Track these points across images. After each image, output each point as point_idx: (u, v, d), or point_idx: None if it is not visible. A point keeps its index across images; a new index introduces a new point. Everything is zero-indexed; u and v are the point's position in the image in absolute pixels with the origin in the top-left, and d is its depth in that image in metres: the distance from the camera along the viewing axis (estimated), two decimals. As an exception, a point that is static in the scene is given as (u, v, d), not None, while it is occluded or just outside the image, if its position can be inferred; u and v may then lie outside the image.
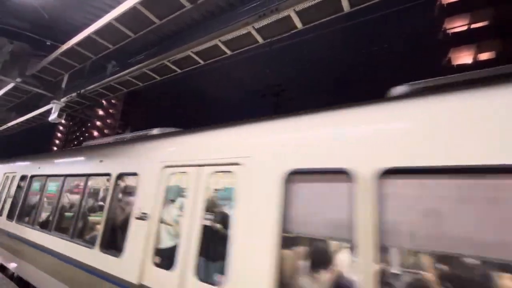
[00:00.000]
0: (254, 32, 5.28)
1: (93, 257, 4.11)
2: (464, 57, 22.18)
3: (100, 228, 4.23)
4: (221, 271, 2.64)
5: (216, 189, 3.35)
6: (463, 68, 21.35)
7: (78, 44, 6.26)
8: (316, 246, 2.50)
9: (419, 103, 2.15)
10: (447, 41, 22.80)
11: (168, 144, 4.04)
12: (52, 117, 8.54)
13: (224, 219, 3.02)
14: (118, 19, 5.32)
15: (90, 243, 4.32)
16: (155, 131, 4.85)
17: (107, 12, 5.40)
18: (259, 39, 5.45)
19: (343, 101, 2.65)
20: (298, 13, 4.67)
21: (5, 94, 9.85)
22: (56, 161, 6.79)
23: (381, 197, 1.97)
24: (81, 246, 4.47)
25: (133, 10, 4.98)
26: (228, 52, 6.05)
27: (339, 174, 2.19)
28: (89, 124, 77.02)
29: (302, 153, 2.51)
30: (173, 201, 3.69)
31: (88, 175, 5.17)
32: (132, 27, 5.52)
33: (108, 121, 77.67)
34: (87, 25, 5.89)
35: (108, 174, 4.59)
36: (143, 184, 3.88)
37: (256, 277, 2.37)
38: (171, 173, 3.62)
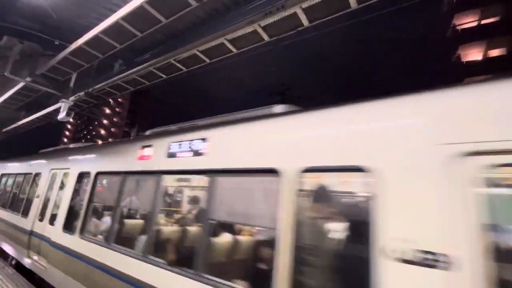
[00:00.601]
0: (260, 30, 5.26)
1: (18, 220, 7.65)
2: (473, 54, 21.75)
3: (23, 204, 7.86)
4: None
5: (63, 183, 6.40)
6: (472, 64, 20.96)
7: (86, 43, 6.33)
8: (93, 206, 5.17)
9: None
10: (456, 38, 22.37)
11: (54, 157, 7.65)
12: (61, 115, 8.70)
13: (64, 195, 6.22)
14: (125, 18, 5.36)
15: (18, 212, 7.86)
16: (72, 145, 8.02)
17: (114, 11, 5.45)
18: (265, 37, 5.43)
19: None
20: (305, 10, 4.63)
21: (16, 93, 10.03)
22: (13, 164, 10.53)
23: (95, 184, 5.09)
24: (15, 215, 8.01)
25: (140, 9, 5.01)
26: (234, 50, 6.05)
27: (88, 173, 5.34)
28: (96, 123, 78.06)
29: (82, 165, 5.92)
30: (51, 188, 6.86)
31: (24, 174, 8.79)
32: (138, 26, 5.56)
33: (115, 119, 78.50)
34: (94, 24, 5.95)
35: (31, 173, 8.18)
36: (42, 179, 7.36)
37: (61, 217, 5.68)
38: (53, 173, 6.96)
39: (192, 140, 3.54)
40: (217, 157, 3.22)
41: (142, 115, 76.03)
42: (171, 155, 3.74)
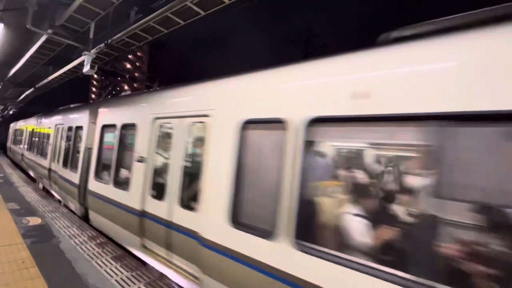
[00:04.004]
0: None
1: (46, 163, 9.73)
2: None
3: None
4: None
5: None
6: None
7: (99, -13, 5.99)
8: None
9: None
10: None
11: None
12: (85, 69, 8.81)
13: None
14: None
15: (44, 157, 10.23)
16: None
17: None
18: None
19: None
20: None
21: (40, 47, 10.17)
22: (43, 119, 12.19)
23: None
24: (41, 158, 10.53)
25: None
26: (256, -14, 5.43)
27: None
28: (119, 78, 79.43)
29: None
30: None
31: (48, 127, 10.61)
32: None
33: (136, 74, 79.15)
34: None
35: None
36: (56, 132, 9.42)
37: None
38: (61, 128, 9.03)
39: None
40: None
41: (162, 69, 75.67)
42: None
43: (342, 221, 2.40)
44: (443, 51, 1.93)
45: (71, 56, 11.37)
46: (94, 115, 6.69)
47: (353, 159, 3.06)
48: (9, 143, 21.27)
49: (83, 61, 9.07)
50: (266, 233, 2.53)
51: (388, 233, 2.22)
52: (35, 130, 12.98)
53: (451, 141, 1.74)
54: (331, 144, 2.86)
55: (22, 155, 15.00)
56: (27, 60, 11.96)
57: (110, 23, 8.54)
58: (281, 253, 2.40)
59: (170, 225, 3.77)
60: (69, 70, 12.33)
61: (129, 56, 76.05)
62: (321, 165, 2.78)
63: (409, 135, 2.10)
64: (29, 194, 9.00)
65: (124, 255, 4.70)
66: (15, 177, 12.30)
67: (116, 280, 3.82)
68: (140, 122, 4.71)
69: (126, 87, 78.74)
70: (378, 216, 2.36)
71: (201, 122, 3.66)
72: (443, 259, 1.79)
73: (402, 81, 1.99)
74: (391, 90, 2.02)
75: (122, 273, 4.04)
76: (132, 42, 9.08)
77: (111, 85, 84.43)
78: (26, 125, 15.39)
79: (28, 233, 5.28)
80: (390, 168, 2.89)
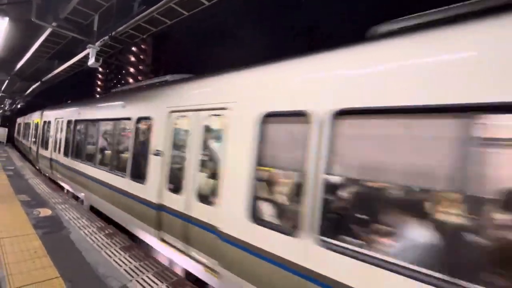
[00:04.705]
0: None
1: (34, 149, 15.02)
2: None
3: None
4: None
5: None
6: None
7: (102, -22, 5.92)
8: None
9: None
10: None
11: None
12: (91, 62, 8.82)
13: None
14: None
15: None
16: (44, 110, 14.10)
17: None
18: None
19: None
20: None
21: (45, 40, 10.19)
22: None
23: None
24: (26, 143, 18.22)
25: None
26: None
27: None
28: (123, 72, 79.62)
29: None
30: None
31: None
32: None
33: (140, 67, 79.11)
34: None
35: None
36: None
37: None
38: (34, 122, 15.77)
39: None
40: None
41: (165, 61, 75.46)
42: None
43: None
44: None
45: (76, 50, 11.38)
46: (42, 115, 13.04)
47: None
48: (15, 134, 28.00)
49: (88, 54, 9.08)
50: (66, 154, 9.04)
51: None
52: (26, 124, 19.44)
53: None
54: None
55: (20, 141, 21.85)
56: (33, 54, 12.02)
57: (114, 15, 8.48)
58: (71, 161, 8.60)
59: (57, 162, 9.74)
60: (74, 63, 12.37)
61: (133, 49, 75.95)
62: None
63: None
64: (39, 186, 9.20)
65: (132, 246, 4.80)
66: (25, 169, 12.56)
67: (125, 270, 3.91)
68: (51, 120, 11.18)
69: (131, 80, 78.90)
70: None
71: (62, 120, 9.87)
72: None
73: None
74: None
75: (130, 263, 4.14)
76: (136, 34, 9.02)
77: (116, 78, 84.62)
78: (22, 120, 22.46)
79: (39, 224, 5.42)
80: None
